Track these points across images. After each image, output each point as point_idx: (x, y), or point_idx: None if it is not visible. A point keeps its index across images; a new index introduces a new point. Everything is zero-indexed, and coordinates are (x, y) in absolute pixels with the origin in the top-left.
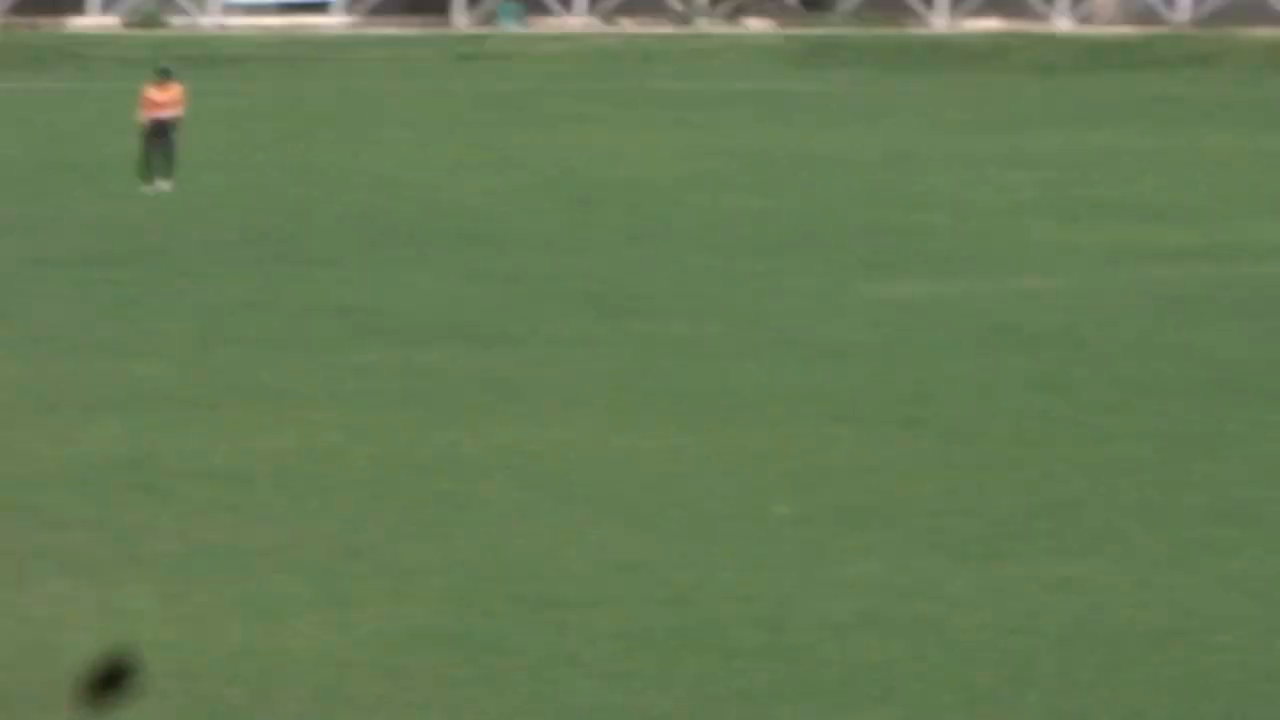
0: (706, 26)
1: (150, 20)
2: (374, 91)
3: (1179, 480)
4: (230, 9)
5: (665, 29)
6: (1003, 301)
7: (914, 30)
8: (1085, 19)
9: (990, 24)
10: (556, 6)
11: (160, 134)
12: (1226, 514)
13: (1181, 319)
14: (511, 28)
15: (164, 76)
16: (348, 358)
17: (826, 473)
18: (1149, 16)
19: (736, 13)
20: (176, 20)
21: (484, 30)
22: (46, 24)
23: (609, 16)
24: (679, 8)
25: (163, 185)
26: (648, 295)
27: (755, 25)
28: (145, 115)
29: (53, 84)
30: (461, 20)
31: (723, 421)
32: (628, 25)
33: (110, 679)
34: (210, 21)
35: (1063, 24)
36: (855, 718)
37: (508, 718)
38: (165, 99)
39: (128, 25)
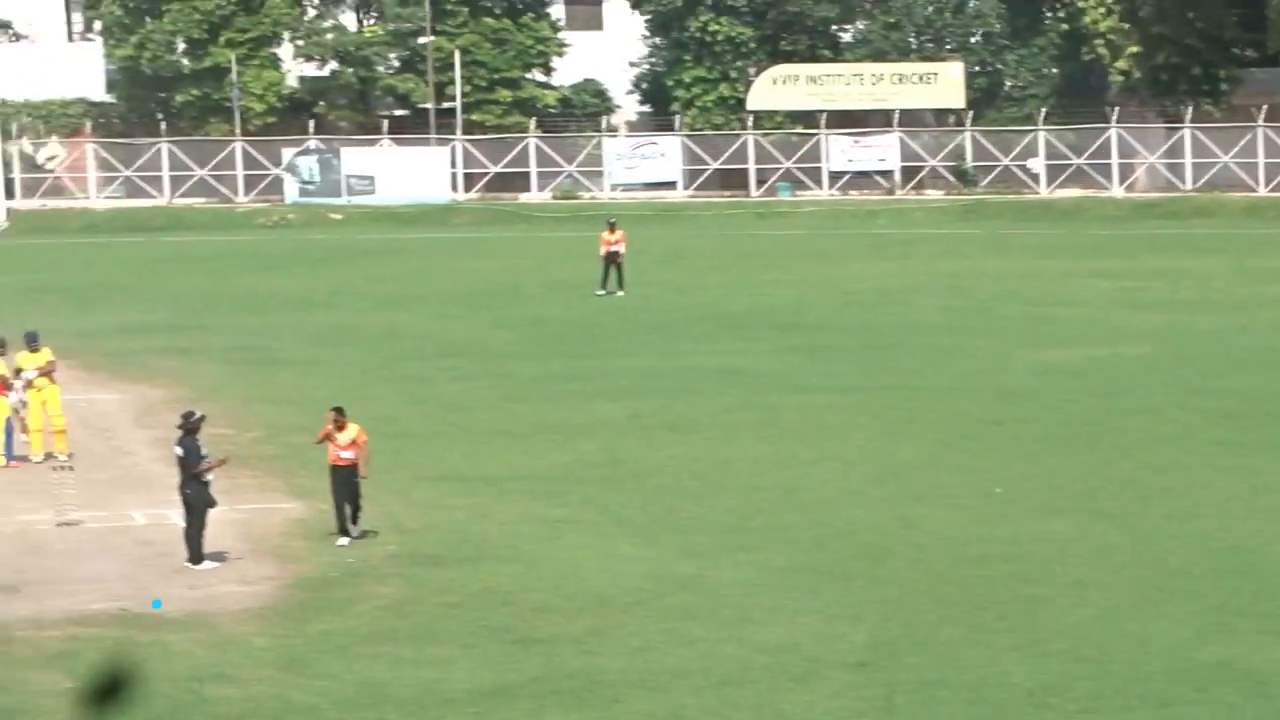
0: (901, 194)
1: (569, 195)
2: (704, 236)
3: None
4: (615, 187)
5: (878, 195)
6: (1106, 361)
7: (1027, 196)
8: (1130, 188)
9: (1073, 192)
10: (812, 184)
11: (612, 260)
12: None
13: (1208, 366)
14: (786, 197)
15: (612, 226)
16: (717, 399)
17: (1010, 468)
18: (1168, 186)
19: (921, 186)
20: (585, 195)
21: (769, 199)
22: (507, 197)
23: (844, 189)
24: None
25: (618, 293)
26: (905, 352)
27: (932, 194)
28: (603, 248)
29: (513, 234)
30: (756, 193)
31: (943, 436)
32: (854, 194)
33: (109, 688)
34: (606, 195)
35: (1117, 192)
36: None
37: None
38: (615, 239)
39: (555, 198)
